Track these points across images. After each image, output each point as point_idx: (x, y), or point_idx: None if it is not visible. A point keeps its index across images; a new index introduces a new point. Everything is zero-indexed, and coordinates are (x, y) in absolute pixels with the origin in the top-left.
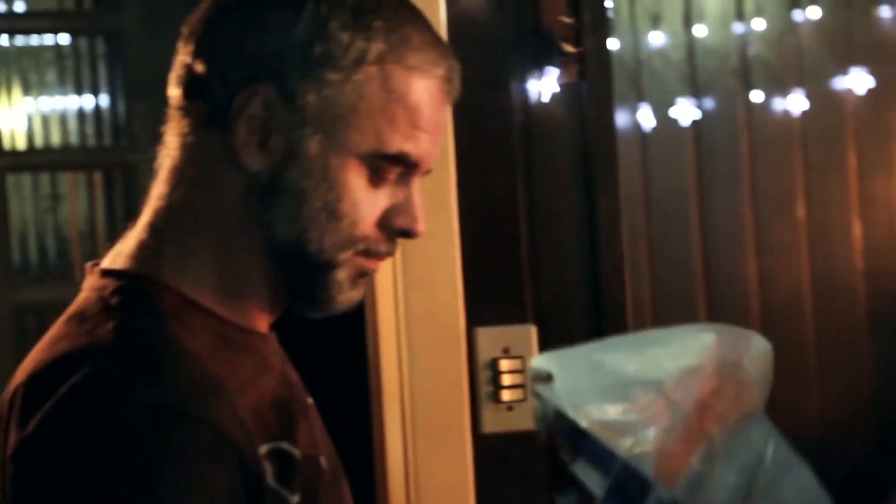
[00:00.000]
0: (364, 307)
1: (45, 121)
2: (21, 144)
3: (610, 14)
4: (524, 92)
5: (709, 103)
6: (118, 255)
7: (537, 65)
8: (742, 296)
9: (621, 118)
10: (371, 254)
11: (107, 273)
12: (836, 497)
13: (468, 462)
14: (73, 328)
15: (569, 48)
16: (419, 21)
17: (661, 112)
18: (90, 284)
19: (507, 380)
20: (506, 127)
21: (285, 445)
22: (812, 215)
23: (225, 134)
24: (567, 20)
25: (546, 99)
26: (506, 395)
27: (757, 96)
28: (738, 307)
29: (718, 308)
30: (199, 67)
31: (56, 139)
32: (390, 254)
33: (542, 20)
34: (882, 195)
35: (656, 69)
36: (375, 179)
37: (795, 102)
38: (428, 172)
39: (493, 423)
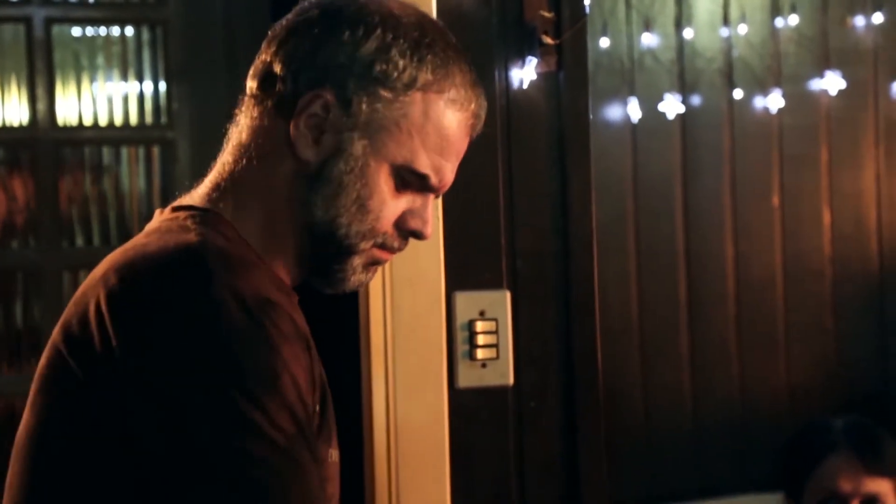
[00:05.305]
0: None
1: (95, 101)
2: (73, 122)
3: (587, 10)
4: (506, 79)
5: (695, 99)
6: (185, 201)
7: (519, 55)
8: (720, 275)
9: (614, 111)
10: (385, 247)
11: (178, 209)
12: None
13: (444, 413)
14: (154, 238)
15: (548, 40)
16: (463, 61)
17: (650, 106)
18: (163, 217)
19: (481, 340)
20: (488, 110)
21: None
22: (786, 204)
23: (287, 124)
24: (547, 14)
25: (526, 86)
26: (480, 354)
27: (739, 94)
28: (716, 286)
29: (698, 285)
30: (277, 67)
31: (104, 119)
32: (401, 249)
33: (524, 13)
34: (850, 187)
35: (648, 67)
36: (401, 187)
37: (774, 101)
38: (439, 196)
39: (468, 378)
